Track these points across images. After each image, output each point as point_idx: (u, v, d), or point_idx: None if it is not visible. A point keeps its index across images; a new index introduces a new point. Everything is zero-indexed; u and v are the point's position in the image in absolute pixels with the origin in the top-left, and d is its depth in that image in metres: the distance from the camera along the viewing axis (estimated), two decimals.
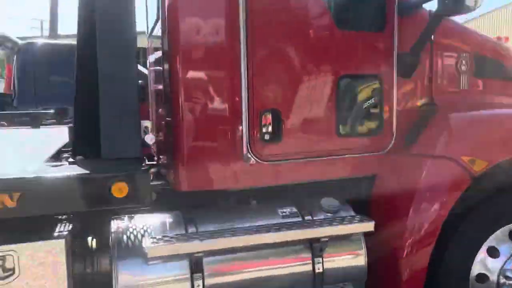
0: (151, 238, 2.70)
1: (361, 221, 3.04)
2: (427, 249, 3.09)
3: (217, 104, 2.94)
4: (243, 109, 2.89)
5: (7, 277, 2.39)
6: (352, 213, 3.20)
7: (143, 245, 2.64)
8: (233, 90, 2.91)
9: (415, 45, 3.28)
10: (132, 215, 3.00)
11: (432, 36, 3.44)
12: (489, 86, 3.76)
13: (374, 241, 3.23)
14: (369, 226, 3.02)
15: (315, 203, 3.20)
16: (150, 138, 2.55)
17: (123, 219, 2.94)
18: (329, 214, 3.15)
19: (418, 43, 3.27)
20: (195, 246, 2.70)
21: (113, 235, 2.79)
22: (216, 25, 2.88)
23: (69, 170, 2.43)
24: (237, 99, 2.90)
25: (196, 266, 2.74)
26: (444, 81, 3.58)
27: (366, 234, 3.13)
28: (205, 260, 2.78)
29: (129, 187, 2.34)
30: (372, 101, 3.37)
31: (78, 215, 2.69)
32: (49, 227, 2.54)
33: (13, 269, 2.38)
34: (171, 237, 2.72)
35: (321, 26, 3.14)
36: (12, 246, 2.39)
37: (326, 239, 2.93)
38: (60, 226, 2.57)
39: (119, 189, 2.32)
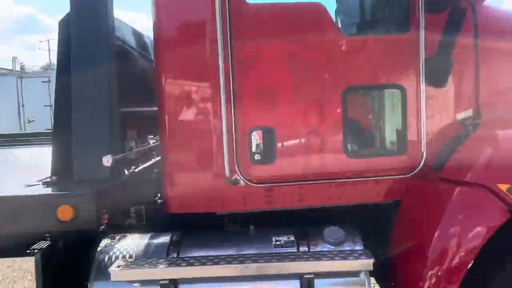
0: (120, 261, 2.64)
1: (357, 257, 2.55)
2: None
3: (202, 123, 2.78)
4: (224, 127, 2.69)
5: None
6: (358, 247, 2.72)
7: (109, 268, 2.58)
8: (218, 107, 2.72)
9: (443, 45, 2.70)
10: (125, 234, 2.98)
11: (476, 32, 2.80)
12: None
13: (396, 277, 2.73)
14: (367, 264, 2.52)
15: (321, 233, 2.81)
16: (106, 160, 2.49)
17: (114, 239, 2.94)
18: (331, 246, 2.74)
19: (445, 43, 2.69)
20: (159, 273, 2.55)
21: (97, 254, 2.80)
22: (196, 38, 2.74)
23: (29, 191, 2.50)
24: (220, 116, 2.71)
25: None
26: (495, 90, 2.88)
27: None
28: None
29: (74, 211, 2.30)
30: (387, 116, 2.87)
31: (63, 233, 2.75)
32: (29, 243, 2.64)
33: None
34: (140, 262, 2.62)
35: (321, 32, 2.78)
36: None
37: (311, 275, 2.52)
38: (39, 243, 2.65)
39: (64, 212, 2.29)
